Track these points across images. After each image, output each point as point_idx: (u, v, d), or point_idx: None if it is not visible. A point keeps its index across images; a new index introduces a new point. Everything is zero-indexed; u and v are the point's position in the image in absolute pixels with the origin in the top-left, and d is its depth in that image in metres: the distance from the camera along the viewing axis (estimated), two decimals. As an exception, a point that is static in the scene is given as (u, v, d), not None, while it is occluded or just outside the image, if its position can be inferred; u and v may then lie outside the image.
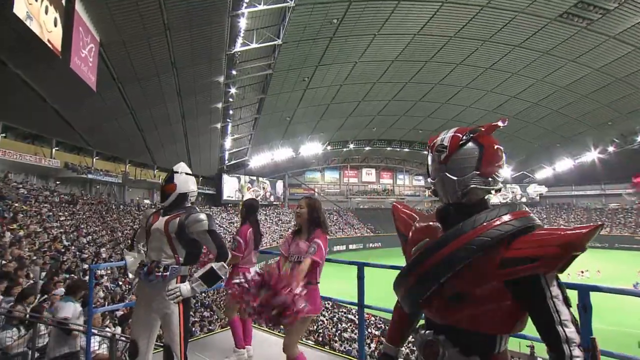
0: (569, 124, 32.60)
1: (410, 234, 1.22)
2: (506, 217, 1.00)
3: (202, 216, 2.24)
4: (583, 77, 24.86)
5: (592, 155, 38.10)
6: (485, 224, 0.99)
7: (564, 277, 1.03)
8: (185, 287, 2.16)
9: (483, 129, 1.09)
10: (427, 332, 1.10)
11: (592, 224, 0.94)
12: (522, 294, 0.97)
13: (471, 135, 1.08)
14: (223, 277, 2.20)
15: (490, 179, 1.07)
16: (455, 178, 1.06)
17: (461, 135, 1.08)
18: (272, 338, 3.48)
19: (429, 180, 1.15)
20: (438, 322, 1.08)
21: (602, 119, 30.72)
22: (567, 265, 0.94)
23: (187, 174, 2.41)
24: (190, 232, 2.22)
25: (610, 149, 35.87)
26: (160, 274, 2.16)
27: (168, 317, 2.16)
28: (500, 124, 1.08)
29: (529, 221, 1.00)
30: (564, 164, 42.13)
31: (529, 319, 1.00)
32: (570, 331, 0.91)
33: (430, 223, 1.17)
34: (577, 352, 0.90)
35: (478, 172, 1.06)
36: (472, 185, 1.05)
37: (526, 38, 21.39)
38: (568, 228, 0.93)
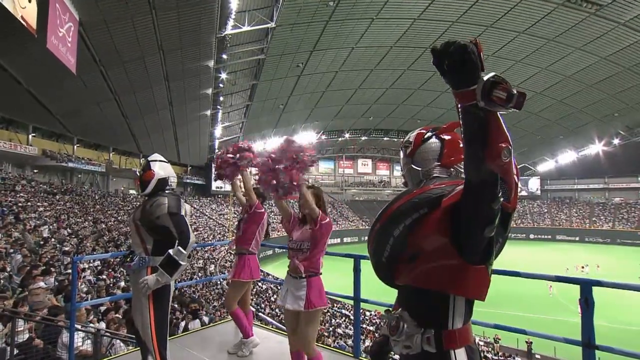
0: (574, 115, 32.27)
1: None
2: (447, 183, 1.09)
3: (165, 199, 2.19)
4: (590, 65, 24.42)
5: (596, 148, 37.74)
6: (430, 186, 1.10)
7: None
8: (152, 279, 2.10)
9: (445, 126, 1.23)
10: (394, 312, 1.20)
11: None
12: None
13: (433, 132, 1.23)
14: (182, 264, 2.11)
15: (452, 169, 1.18)
16: (419, 169, 1.21)
17: (425, 132, 1.24)
18: (273, 336, 3.40)
19: (401, 173, 1.32)
20: (401, 284, 1.18)
21: (608, 110, 30.36)
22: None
23: (161, 161, 2.41)
24: (156, 218, 2.17)
25: (616, 141, 35.50)
26: (126, 263, 2.19)
27: (139, 309, 2.18)
28: None
29: None
30: (567, 157, 41.74)
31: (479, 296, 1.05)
32: None
33: None
34: None
35: (439, 164, 1.19)
36: (434, 175, 1.18)
37: (532, 24, 20.93)
38: None
